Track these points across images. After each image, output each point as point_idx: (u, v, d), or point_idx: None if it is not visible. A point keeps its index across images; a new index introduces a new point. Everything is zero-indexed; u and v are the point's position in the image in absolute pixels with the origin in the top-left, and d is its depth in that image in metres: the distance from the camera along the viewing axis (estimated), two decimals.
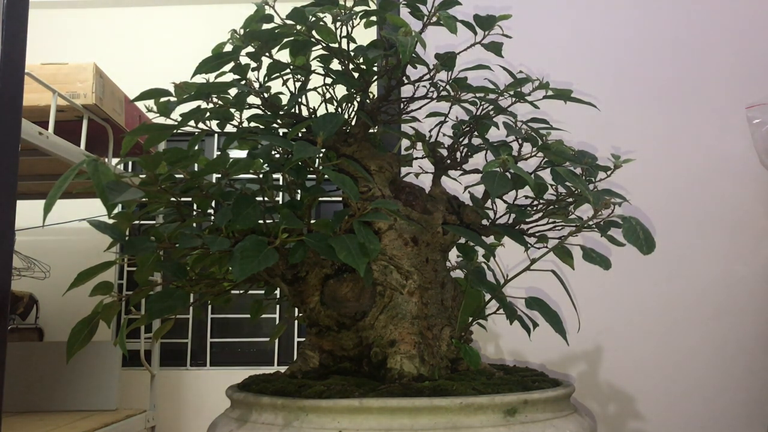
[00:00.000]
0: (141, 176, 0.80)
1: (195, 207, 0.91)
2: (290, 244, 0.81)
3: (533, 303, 0.90)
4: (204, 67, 0.87)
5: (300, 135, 0.95)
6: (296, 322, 1.04)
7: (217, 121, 0.95)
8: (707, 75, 1.59)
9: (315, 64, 0.96)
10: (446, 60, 0.92)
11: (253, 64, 0.93)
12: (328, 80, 0.97)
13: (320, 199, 0.92)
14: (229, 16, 1.29)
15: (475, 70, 0.98)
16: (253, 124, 0.94)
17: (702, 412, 1.49)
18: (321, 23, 0.89)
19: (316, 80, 0.98)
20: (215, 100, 0.91)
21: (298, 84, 0.99)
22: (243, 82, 0.91)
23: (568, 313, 1.00)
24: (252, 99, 0.94)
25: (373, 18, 0.91)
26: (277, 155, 0.96)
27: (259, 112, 0.96)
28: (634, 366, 1.51)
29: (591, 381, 1.52)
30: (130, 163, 2.10)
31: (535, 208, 1.00)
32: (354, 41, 0.91)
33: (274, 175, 0.92)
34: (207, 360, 2.74)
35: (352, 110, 0.98)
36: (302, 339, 2.70)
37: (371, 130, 0.99)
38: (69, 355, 0.80)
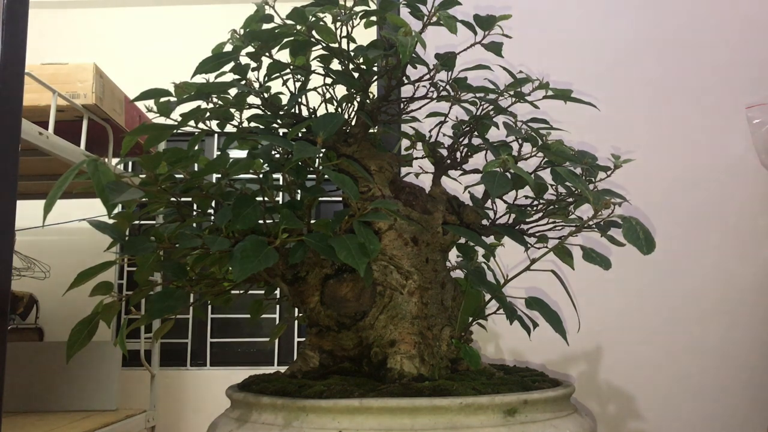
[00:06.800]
0: (141, 176, 0.80)
1: (195, 207, 0.91)
2: (290, 244, 0.81)
3: (533, 303, 0.90)
4: (204, 67, 0.87)
5: (300, 135, 0.95)
6: (296, 322, 1.04)
7: (217, 121, 0.95)
8: (707, 75, 1.59)
9: (315, 64, 0.96)
10: (446, 60, 0.92)
11: (253, 64, 0.92)
12: (328, 80, 0.97)
13: (320, 199, 0.92)
14: (229, 16, 1.29)
15: (475, 70, 0.98)
16: (253, 124, 0.94)
17: (702, 412, 1.49)
18: (321, 23, 0.89)
19: (316, 80, 0.97)
20: (215, 100, 0.91)
21: (298, 84, 0.99)
22: (243, 82, 0.91)
23: (568, 313, 1.00)
24: (252, 99, 0.94)
25: (373, 18, 0.91)
26: (277, 155, 0.96)
27: (259, 112, 0.96)
28: (634, 366, 1.51)
29: (591, 381, 1.51)
30: (130, 163, 2.10)
31: (535, 208, 1.00)
32: (354, 41, 0.91)
33: (274, 175, 0.92)
34: (207, 360, 2.73)
35: (352, 110, 0.98)
36: (302, 339, 2.70)
37: (371, 130, 0.99)
38: (69, 355, 0.80)
